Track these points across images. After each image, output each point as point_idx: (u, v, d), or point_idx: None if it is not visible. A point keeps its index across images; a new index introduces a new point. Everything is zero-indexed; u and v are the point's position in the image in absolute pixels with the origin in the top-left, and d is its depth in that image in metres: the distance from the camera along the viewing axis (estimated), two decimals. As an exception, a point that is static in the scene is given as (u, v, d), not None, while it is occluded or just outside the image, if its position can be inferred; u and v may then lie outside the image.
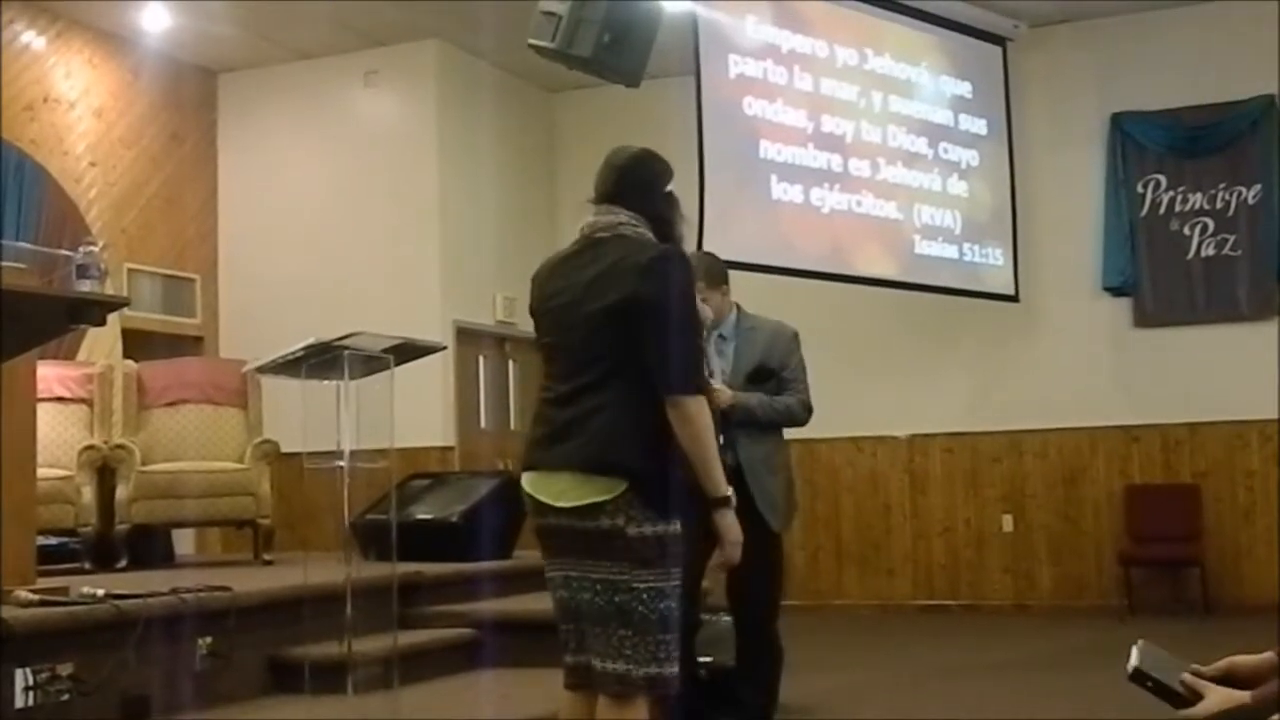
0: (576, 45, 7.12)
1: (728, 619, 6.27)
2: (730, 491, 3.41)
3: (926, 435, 10.47)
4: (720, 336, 4.95)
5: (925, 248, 9.71)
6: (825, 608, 10.35)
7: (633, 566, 3.21)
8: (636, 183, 3.42)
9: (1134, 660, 1.79)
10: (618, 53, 7.33)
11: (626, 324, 3.24)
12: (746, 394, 4.83)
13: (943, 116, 9.90)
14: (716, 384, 4.68)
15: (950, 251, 9.86)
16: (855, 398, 10.52)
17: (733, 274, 9.05)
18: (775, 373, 4.94)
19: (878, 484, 10.62)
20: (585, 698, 3.35)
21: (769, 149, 8.89)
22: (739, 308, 5.06)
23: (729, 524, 3.40)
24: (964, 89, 10.05)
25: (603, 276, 3.30)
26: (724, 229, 8.62)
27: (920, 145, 9.73)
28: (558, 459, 3.27)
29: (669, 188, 3.48)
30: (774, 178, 8.91)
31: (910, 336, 10.47)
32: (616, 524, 3.18)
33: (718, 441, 3.52)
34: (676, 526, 3.26)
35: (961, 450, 10.40)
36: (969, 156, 10.01)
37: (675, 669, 3.28)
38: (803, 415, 5.01)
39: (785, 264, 9.15)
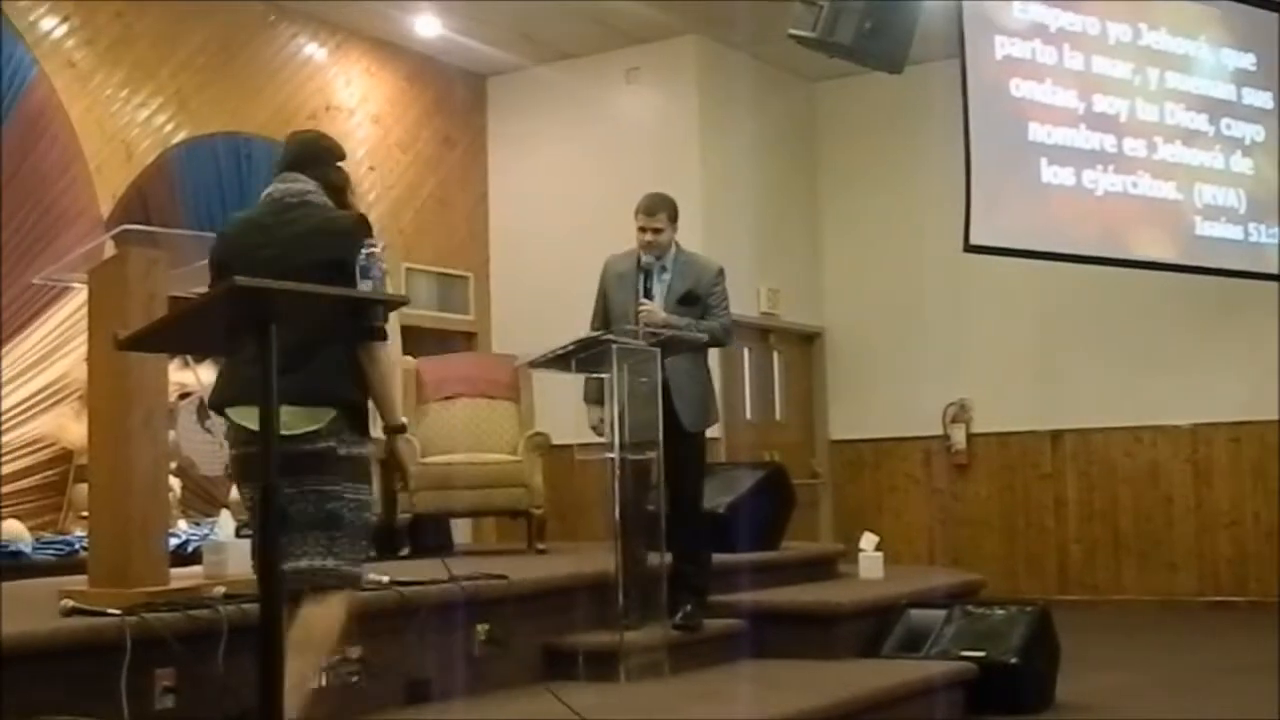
0: (837, 33, 7.09)
1: (1002, 611, 6.17)
2: (405, 420, 3.99)
3: (1211, 424, 10.03)
4: (662, 267, 5.79)
5: (1206, 229, 9.32)
6: (1103, 603, 10.05)
7: (342, 479, 3.67)
8: (313, 156, 3.96)
9: None
10: (879, 39, 7.26)
11: (331, 281, 3.62)
12: (676, 316, 5.66)
13: (1224, 91, 9.46)
14: (651, 304, 5.64)
15: (1234, 232, 9.43)
16: (1132, 386, 10.18)
17: (995, 260, 8.95)
18: (700, 299, 5.76)
19: (1158, 475, 10.22)
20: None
21: (1038, 131, 8.70)
22: (678, 244, 5.86)
23: (406, 450, 3.96)
24: (1247, 61, 9.58)
25: (308, 235, 3.74)
26: (991, 214, 8.48)
27: (1200, 122, 9.33)
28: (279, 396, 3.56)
29: (340, 163, 4.00)
30: (1044, 161, 8.72)
31: (1191, 321, 10.04)
32: (329, 445, 3.64)
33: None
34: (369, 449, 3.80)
35: (1249, 439, 9.92)
36: (1253, 132, 9.55)
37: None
38: (723, 337, 5.85)
39: (1055, 249, 8.96)
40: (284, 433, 3.52)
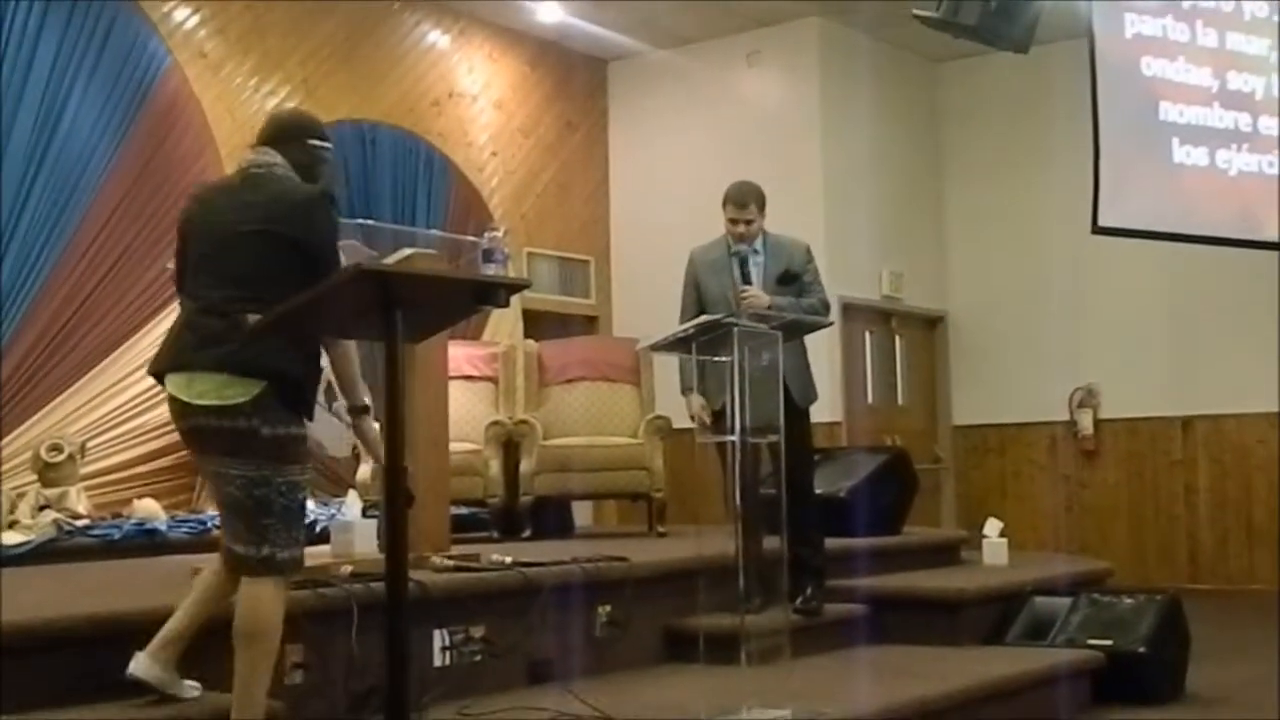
0: (962, 13, 7.00)
1: (1130, 600, 6.05)
2: (369, 401, 3.83)
3: (1350, 410, 9.75)
4: (754, 251, 5.78)
5: (1345, 210, 9.04)
6: (1237, 593, 9.82)
7: (270, 463, 3.51)
8: (284, 133, 3.89)
9: None
10: (1005, 18, 7.15)
11: (278, 251, 3.58)
12: (779, 298, 5.65)
13: (1366, 68, 9.17)
14: (754, 290, 5.58)
15: (1375, 213, 9.13)
16: (1266, 371, 9.91)
17: (1123, 242, 8.77)
18: (797, 276, 5.81)
19: (1294, 463, 9.97)
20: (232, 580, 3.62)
21: (1170, 110, 8.52)
22: (764, 229, 5.87)
23: (369, 429, 3.89)
24: (1390, 36, 9.26)
25: (260, 206, 3.66)
26: (1120, 195, 8.33)
27: (1341, 100, 9.06)
28: (207, 362, 3.55)
29: (314, 142, 3.89)
30: (1175, 140, 8.53)
31: (1329, 303, 9.76)
32: (251, 426, 3.50)
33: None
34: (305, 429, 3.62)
35: (1391, 426, 9.63)
36: (1396, 109, 9.24)
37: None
38: (824, 311, 5.83)
39: (1187, 230, 8.75)
40: (199, 401, 3.55)
